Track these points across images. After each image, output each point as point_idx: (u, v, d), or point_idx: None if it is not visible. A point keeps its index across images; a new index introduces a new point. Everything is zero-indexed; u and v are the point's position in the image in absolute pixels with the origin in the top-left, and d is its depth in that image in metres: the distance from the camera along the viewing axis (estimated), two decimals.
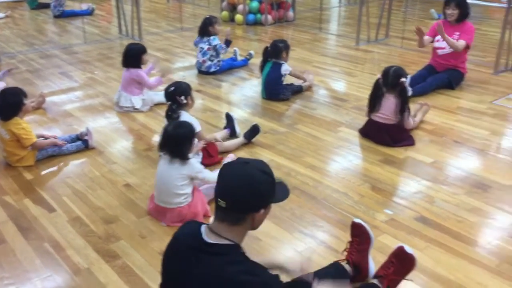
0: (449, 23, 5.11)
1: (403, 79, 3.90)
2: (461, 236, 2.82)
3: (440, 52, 5.18)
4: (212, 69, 5.79)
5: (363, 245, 2.41)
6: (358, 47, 7.11)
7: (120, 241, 2.82)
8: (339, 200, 3.21)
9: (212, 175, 3.04)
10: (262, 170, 1.71)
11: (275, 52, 4.99)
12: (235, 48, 6.28)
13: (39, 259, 2.67)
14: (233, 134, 4.09)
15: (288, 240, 2.81)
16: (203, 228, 1.73)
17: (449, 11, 5.08)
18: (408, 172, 3.56)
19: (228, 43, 5.78)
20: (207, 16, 5.86)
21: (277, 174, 1.79)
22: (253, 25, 8.54)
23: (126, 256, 2.69)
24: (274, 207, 1.77)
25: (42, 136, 3.86)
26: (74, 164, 3.75)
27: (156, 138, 3.94)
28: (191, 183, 2.99)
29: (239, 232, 1.72)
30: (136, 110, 4.73)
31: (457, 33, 5.05)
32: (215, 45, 5.67)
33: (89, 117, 4.62)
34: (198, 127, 3.52)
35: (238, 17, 8.61)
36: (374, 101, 3.99)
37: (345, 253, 2.44)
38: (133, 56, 4.73)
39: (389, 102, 3.92)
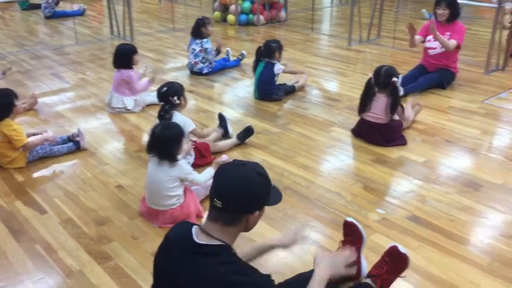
0: (440, 23, 5.13)
1: (394, 79, 3.91)
2: (453, 235, 2.83)
3: (431, 52, 5.20)
4: (205, 71, 5.80)
5: (355, 244, 2.41)
6: (350, 47, 7.13)
7: (112, 243, 2.81)
8: (332, 200, 3.21)
9: (201, 177, 3.03)
10: (258, 172, 1.74)
11: (268, 52, 4.99)
12: (227, 48, 6.29)
13: (31, 261, 2.66)
14: (225, 135, 4.09)
15: None
16: (194, 229, 1.73)
17: (439, 11, 5.09)
18: (400, 172, 3.57)
19: (217, 53, 5.96)
20: (200, 17, 5.86)
21: (269, 174, 1.80)
22: (245, 25, 8.54)
23: (118, 258, 2.68)
24: (267, 207, 1.78)
25: (32, 134, 3.83)
26: (66, 166, 3.73)
27: (145, 138, 3.92)
28: (182, 184, 2.97)
29: (232, 233, 1.73)
30: (128, 111, 4.71)
31: (448, 33, 5.06)
32: (206, 48, 5.68)
33: (81, 118, 4.60)
34: (192, 126, 3.53)
35: (230, 17, 8.61)
36: (366, 101, 4.00)
37: None
38: (124, 57, 4.71)
39: (380, 102, 3.93)
